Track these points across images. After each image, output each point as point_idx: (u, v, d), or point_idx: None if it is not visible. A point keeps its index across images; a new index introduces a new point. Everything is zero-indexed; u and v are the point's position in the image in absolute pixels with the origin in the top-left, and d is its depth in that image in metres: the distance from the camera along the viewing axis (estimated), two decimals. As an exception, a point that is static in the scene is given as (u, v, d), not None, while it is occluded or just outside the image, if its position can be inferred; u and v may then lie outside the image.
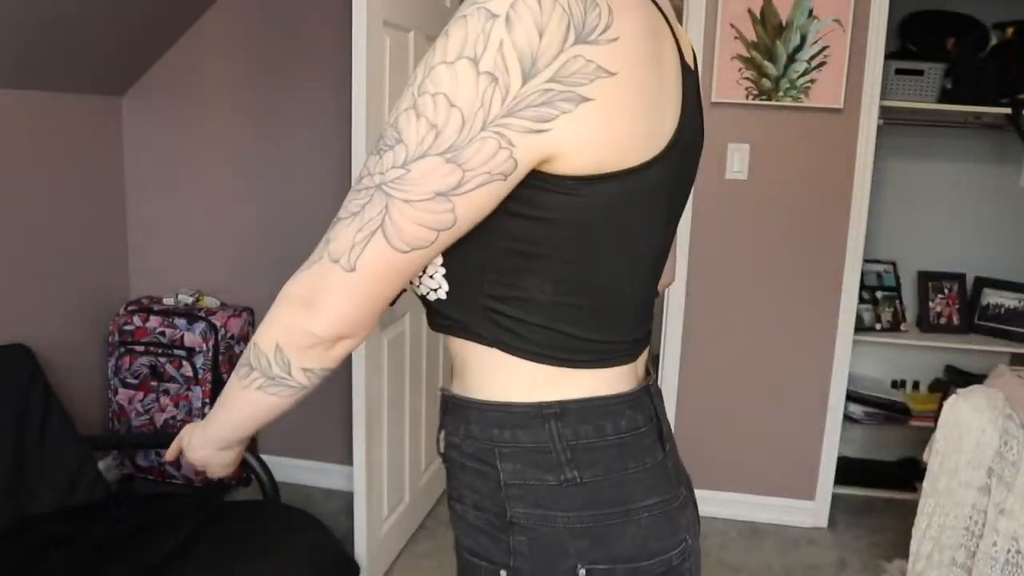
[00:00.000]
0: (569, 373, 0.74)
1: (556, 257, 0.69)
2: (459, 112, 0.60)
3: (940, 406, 2.05)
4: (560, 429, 0.73)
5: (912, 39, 2.75)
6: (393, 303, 0.72)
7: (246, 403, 0.78)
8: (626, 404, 0.76)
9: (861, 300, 2.77)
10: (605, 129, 0.63)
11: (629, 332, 0.78)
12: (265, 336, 0.72)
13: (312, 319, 0.68)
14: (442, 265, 0.73)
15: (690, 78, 0.76)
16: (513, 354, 0.74)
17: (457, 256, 0.71)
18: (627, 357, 0.79)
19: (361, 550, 2.13)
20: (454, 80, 0.60)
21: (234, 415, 0.81)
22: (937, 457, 1.93)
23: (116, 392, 2.69)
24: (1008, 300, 2.87)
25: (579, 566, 0.73)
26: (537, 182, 0.65)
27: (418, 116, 0.61)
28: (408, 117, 0.62)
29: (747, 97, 2.54)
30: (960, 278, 2.95)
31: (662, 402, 0.85)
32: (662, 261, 0.83)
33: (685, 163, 0.78)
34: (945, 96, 2.63)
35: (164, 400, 2.65)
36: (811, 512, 2.77)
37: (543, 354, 0.73)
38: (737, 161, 2.60)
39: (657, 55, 0.66)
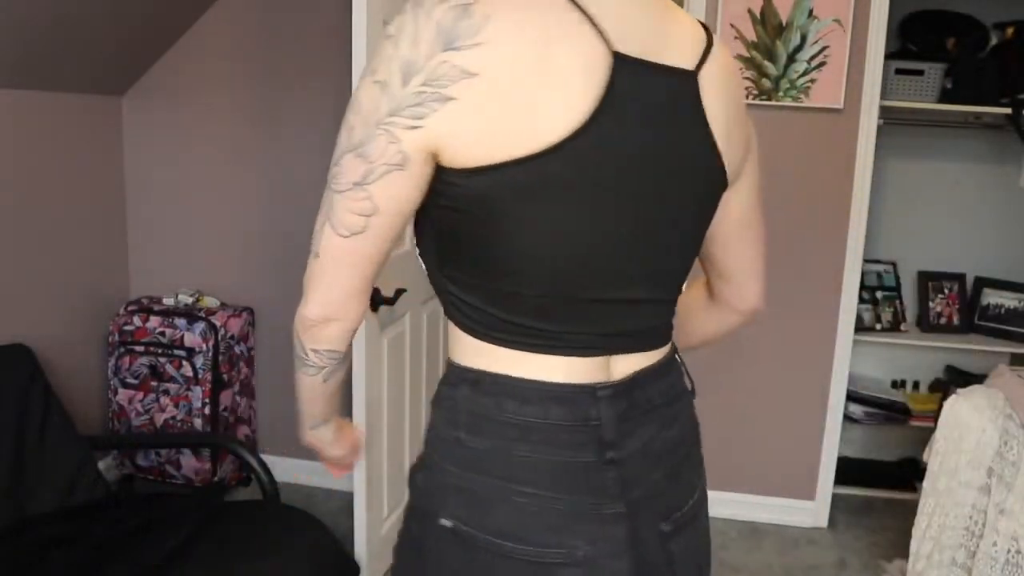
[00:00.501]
0: (496, 350, 0.82)
1: (469, 243, 0.78)
2: (363, 115, 0.73)
3: (940, 406, 2.05)
4: (468, 393, 0.82)
5: (912, 39, 2.75)
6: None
7: (298, 385, 0.91)
8: (543, 392, 0.80)
9: (861, 300, 2.77)
10: (471, 124, 0.70)
11: (571, 324, 0.80)
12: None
13: (303, 305, 0.81)
14: (417, 251, 0.86)
15: (650, 77, 0.76)
16: (459, 327, 0.84)
17: (421, 243, 0.84)
18: (574, 350, 0.81)
19: (361, 550, 2.13)
20: (361, 90, 0.74)
21: (298, 397, 0.93)
22: (937, 457, 1.93)
23: (116, 392, 2.69)
24: (1008, 300, 2.87)
25: (446, 519, 0.81)
26: (444, 176, 0.74)
27: (344, 121, 0.76)
28: (342, 123, 0.76)
29: (747, 97, 2.54)
30: (960, 278, 2.95)
31: (640, 417, 0.84)
32: (624, 265, 0.80)
33: (625, 160, 0.75)
34: (945, 96, 2.63)
35: (164, 400, 2.65)
36: (811, 512, 2.77)
37: (476, 330, 0.82)
38: (737, 161, 2.60)
39: (543, 56, 0.70)
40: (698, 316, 1.08)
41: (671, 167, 0.80)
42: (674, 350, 0.94)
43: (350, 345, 0.87)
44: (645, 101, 0.76)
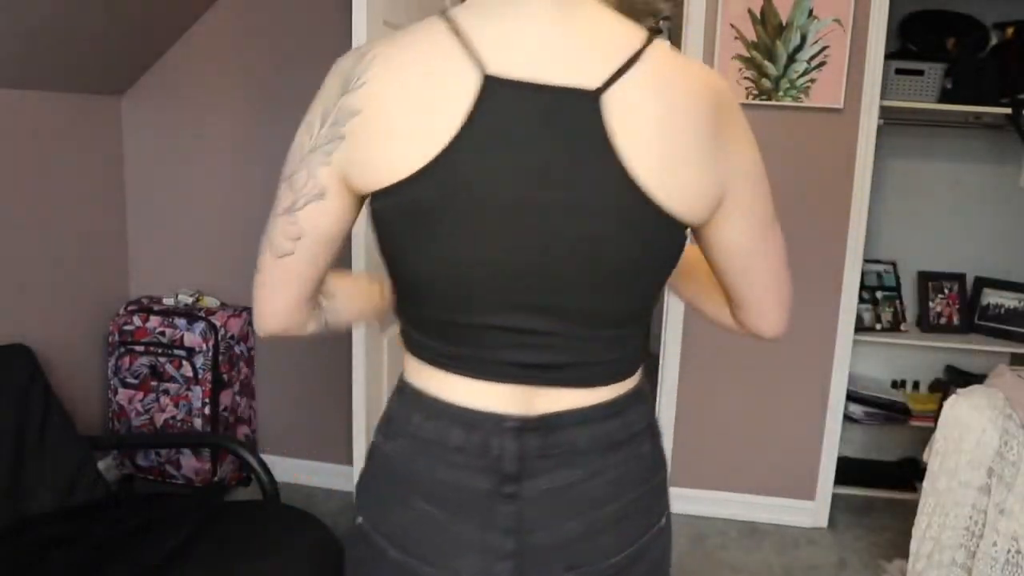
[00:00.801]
0: (417, 364, 0.86)
1: (385, 263, 0.83)
2: (293, 151, 0.81)
3: (940, 406, 2.05)
4: (392, 401, 0.89)
5: (912, 39, 2.75)
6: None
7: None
8: (446, 412, 0.82)
9: (861, 300, 2.77)
10: (361, 155, 0.76)
11: (472, 349, 0.81)
12: None
13: (254, 320, 0.88)
14: None
15: (530, 99, 0.72)
16: (403, 342, 0.89)
17: None
18: (480, 374, 0.81)
19: (361, 550, 2.13)
20: (298, 130, 0.81)
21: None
22: (937, 457, 1.93)
23: (116, 392, 2.69)
24: (1008, 300, 2.87)
25: (359, 516, 0.89)
26: (369, 201, 0.80)
27: (288, 157, 0.82)
28: (287, 157, 0.83)
29: (747, 97, 2.54)
30: (960, 278, 2.95)
31: (558, 459, 0.81)
32: (510, 294, 0.77)
33: (496, 185, 0.73)
34: (945, 96, 2.63)
35: (164, 400, 2.65)
36: (811, 512, 2.77)
37: (405, 342, 0.88)
38: (737, 161, 2.60)
39: (419, 86, 0.73)
40: (718, 310, 0.99)
41: (562, 196, 0.74)
42: (634, 396, 0.87)
43: (321, 304, 0.91)
44: (520, 125, 0.73)
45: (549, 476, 0.81)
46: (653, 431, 0.89)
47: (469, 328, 0.80)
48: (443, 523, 0.82)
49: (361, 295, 0.98)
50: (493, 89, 0.72)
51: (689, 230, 0.83)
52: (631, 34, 0.76)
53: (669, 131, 0.74)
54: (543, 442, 0.81)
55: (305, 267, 0.83)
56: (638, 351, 0.87)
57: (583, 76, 0.73)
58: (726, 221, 0.82)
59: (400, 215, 0.76)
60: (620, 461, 0.84)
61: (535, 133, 0.73)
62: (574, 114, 0.73)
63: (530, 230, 0.75)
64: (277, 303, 0.85)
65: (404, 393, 0.87)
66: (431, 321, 0.82)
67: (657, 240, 0.79)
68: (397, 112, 0.74)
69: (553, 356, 0.80)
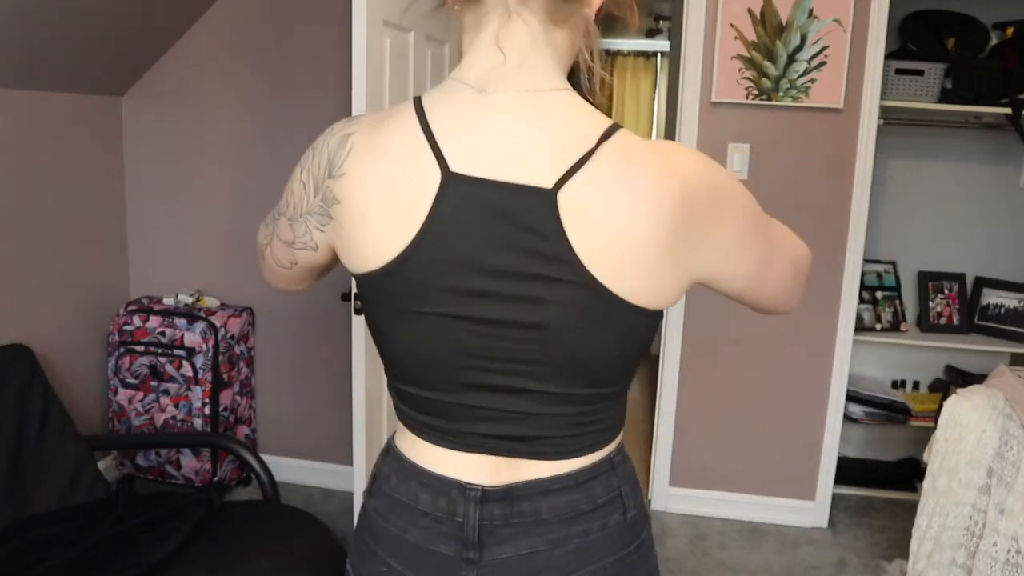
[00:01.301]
0: (400, 426, 0.91)
1: (370, 332, 0.89)
2: (294, 200, 0.87)
3: (940, 406, 2.05)
4: (380, 460, 0.93)
5: (912, 39, 2.75)
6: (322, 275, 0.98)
7: None
8: (417, 476, 0.86)
9: (861, 300, 2.77)
10: (343, 238, 0.82)
11: (444, 421, 0.84)
12: None
13: (263, 271, 1.03)
14: None
15: (489, 197, 0.74)
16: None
17: None
18: (451, 444, 0.85)
19: (361, 550, 2.13)
20: (296, 179, 0.86)
21: None
22: (937, 457, 1.93)
23: (116, 392, 2.69)
24: (1008, 300, 2.87)
25: (348, 564, 0.95)
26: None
27: (290, 185, 0.88)
28: (287, 184, 0.89)
29: (747, 97, 2.54)
30: (960, 278, 2.95)
31: (522, 527, 0.82)
32: (474, 376, 0.80)
33: (456, 278, 0.76)
34: (945, 96, 2.63)
35: (164, 400, 2.65)
36: (811, 512, 2.77)
37: (394, 407, 0.92)
38: (737, 161, 2.60)
39: (389, 181, 0.77)
40: None
41: (521, 289, 0.76)
42: (603, 465, 0.87)
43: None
44: (478, 220, 0.74)
45: (511, 544, 0.83)
46: (625, 502, 0.88)
47: (441, 404, 0.84)
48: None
49: None
50: (453, 186, 0.74)
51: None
52: (591, 128, 0.75)
53: (621, 233, 0.73)
54: (506, 511, 0.83)
55: (300, 275, 0.96)
56: (612, 425, 0.87)
57: (540, 174, 0.73)
58: (715, 284, 0.84)
59: (375, 298, 0.82)
60: (584, 531, 0.84)
61: (494, 229, 0.75)
62: (531, 211, 0.74)
63: (492, 320, 0.78)
64: (278, 283, 1.01)
65: (389, 454, 0.91)
66: (407, 393, 0.86)
67: (623, 329, 0.79)
68: (370, 208, 0.78)
69: (521, 430, 0.82)
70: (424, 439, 0.86)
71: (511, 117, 0.75)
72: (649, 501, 2.84)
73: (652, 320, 0.80)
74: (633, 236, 0.73)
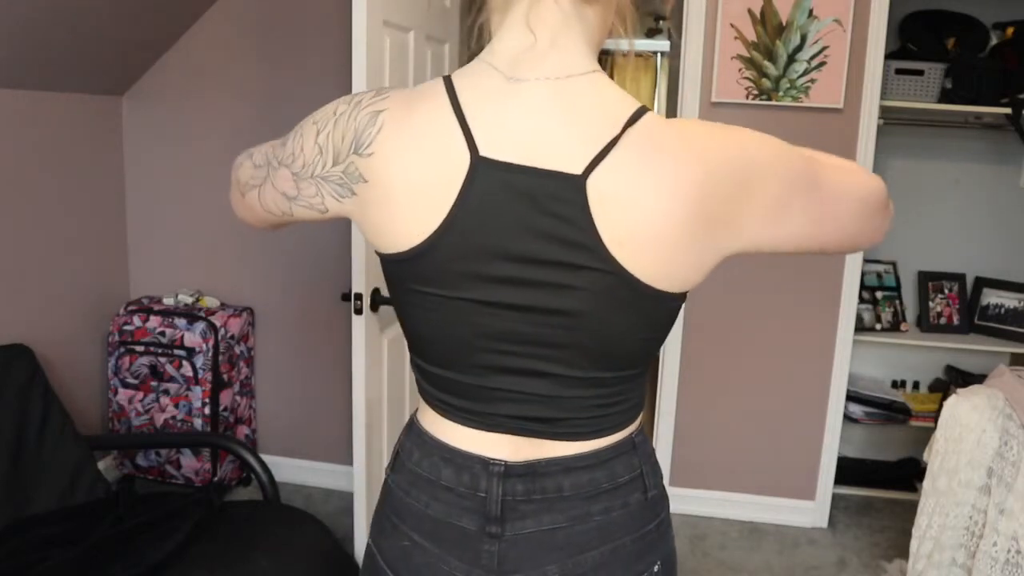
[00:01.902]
0: (423, 404, 0.91)
1: (396, 312, 0.89)
2: (304, 156, 0.84)
3: (940, 406, 2.05)
4: (403, 435, 0.93)
5: (912, 39, 2.75)
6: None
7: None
8: (440, 451, 0.87)
9: (861, 300, 2.77)
10: (368, 216, 0.81)
11: (468, 402, 0.85)
12: None
13: (232, 195, 1.05)
14: None
15: (518, 182, 0.74)
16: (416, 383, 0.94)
17: None
18: (474, 423, 0.85)
19: (361, 550, 2.13)
20: (307, 138, 0.83)
21: None
22: (937, 457, 1.93)
23: (116, 392, 2.69)
24: (1008, 300, 2.87)
25: (370, 539, 0.95)
26: None
27: (295, 139, 0.85)
28: (294, 135, 0.86)
29: (747, 97, 2.54)
30: (960, 278, 2.95)
31: (543, 503, 0.83)
32: (497, 360, 0.81)
33: (484, 263, 0.76)
34: (945, 96, 2.63)
35: (164, 400, 2.65)
36: (811, 512, 2.77)
37: (417, 387, 0.92)
38: (737, 161, 2.60)
39: (417, 162, 0.76)
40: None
41: (547, 275, 0.76)
42: (625, 446, 0.88)
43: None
44: (507, 205, 0.75)
45: (533, 519, 0.84)
46: (645, 481, 0.88)
47: (464, 385, 0.84)
48: (433, 556, 0.87)
49: None
50: (483, 171, 0.74)
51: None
52: (619, 113, 0.75)
53: (644, 220, 0.73)
54: (528, 487, 0.84)
55: (284, 223, 0.96)
56: (634, 405, 0.88)
57: (569, 160, 0.73)
58: (759, 251, 0.81)
59: (402, 279, 0.82)
60: (605, 509, 0.85)
61: (521, 215, 0.75)
62: (559, 197, 0.74)
63: (518, 305, 0.78)
64: (250, 219, 1.01)
65: (411, 431, 0.92)
66: (430, 373, 0.87)
67: (647, 313, 0.79)
68: (400, 191, 0.77)
69: (543, 411, 0.83)
70: (446, 418, 0.87)
71: (541, 104, 0.76)
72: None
73: (675, 303, 0.81)
74: (656, 223, 0.74)
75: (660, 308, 0.80)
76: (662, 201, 0.73)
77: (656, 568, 0.90)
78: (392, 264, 0.82)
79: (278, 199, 0.89)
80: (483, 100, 0.76)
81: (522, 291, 0.77)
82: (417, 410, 0.93)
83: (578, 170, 0.73)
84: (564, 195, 0.74)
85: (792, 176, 0.79)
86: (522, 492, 0.84)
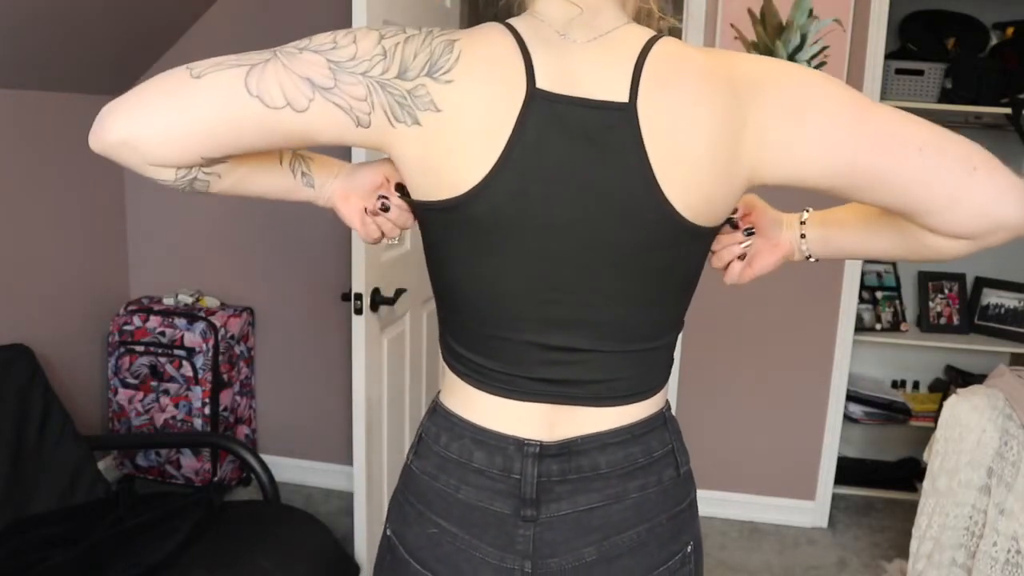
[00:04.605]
0: (453, 380, 0.87)
1: (430, 270, 0.84)
2: (355, 48, 0.72)
3: (940, 406, 2.05)
4: (426, 421, 0.89)
5: (912, 39, 2.75)
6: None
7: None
8: (471, 433, 0.83)
9: (861, 300, 2.77)
10: (423, 157, 0.75)
11: (513, 366, 0.82)
12: None
13: (101, 124, 0.79)
14: None
15: (572, 115, 0.74)
16: (442, 351, 0.89)
17: None
18: (511, 392, 0.82)
19: (361, 550, 2.13)
20: (364, 38, 0.73)
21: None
22: (937, 457, 1.93)
23: (116, 392, 2.69)
24: (1008, 300, 2.87)
25: (388, 528, 0.91)
26: (417, 212, 0.82)
27: (347, 32, 0.75)
28: (343, 34, 0.74)
29: (747, 97, 2.54)
30: (960, 278, 2.95)
31: (579, 483, 0.81)
32: (545, 309, 0.79)
33: (539, 205, 0.75)
34: (945, 96, 2.63)
35: (164, 400, 2.65)
36: (811, 512, 2.77)
37: (445, 356, 0.88)
38: (737, 161, 2.60)
39: (489, 106, 0.73)
40: (904, 236, 0.82)
41: (601, 210, 0.75)
42: (657, 420, 0.87)
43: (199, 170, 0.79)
44: (562, 139, 0.74)
45: (569, 500, 0.82)
46: (677, 457, 0.88)
47: (505, 342, 0.81)
48: (463, 542, 0.83)
49: (267, 175, 0.83)
50: (537, 103, 0.74)
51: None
52: (638, 42, 0.77)
53: (681, 143, 0.74)
54: (563, 466, 0.82)
55: (257, 130, 0.71)
56: (665, 369, 0.88)
57: (615, 91, 0.74)
58: (800, 166, 0.75)
59: (448, 227, 0.78)
60: (641, 486, 0.84)
61: (577, 148, 0.74)
62: (613, 127, 0.74)
63: (570, 246, 0.77)
64: (178, 130, 0.72)
65: (436, 414, 0.88)
66: (469, 332, 0.83)
67: (685, 250, 0.80)
68: (468, 128, 0.74)
69: (582, 373, 0.82)
70: (477, 387, 0.83)
71: (589, 55, 0.76)
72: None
73: (706, 243, 0.83)
74: (696, 146, 0.74)
75: (697, 245, 0.81)
76: (699, 119, 0.74)
77: (689, 548, 0.89)
78: (440, 213, 0.77)
79: (295, 83, 0.70)
80: (541, 43, 0.76)
81: (577, 232, 0.76)
82: (439, 394, 0.90)
83: (624, 99, 0.74)
84: (618, 125, 0.74)
85: (808, 75, 0.77)
86: (557, 472, 0.81)
